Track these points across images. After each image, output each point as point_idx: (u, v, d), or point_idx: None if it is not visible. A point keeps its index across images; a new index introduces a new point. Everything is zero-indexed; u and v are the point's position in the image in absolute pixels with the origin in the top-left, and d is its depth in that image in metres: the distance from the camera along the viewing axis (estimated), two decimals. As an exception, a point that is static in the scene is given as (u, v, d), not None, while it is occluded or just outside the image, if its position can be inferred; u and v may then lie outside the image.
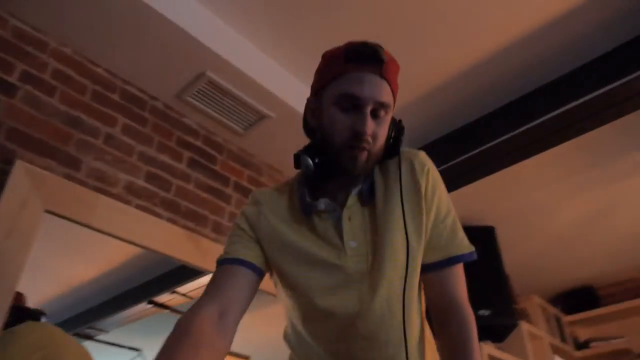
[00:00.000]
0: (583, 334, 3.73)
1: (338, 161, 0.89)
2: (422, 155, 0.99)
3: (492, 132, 2.32)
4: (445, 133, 2.49)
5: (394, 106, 0.92)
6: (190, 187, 1.99)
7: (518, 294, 3.40)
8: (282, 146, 2.28)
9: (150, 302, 2.82)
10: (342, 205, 0.93)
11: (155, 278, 2.66)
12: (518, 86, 2.23)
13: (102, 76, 1.87)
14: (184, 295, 2.74)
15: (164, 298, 2.80)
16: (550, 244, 3.33)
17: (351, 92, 0.86)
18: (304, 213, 0.94)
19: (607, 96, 1.99)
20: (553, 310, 3.60)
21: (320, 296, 0.91)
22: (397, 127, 0.94)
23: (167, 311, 2.90)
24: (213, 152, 2.15)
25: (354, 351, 0.91)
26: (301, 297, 0.94)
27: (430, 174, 0.97)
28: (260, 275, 0.95)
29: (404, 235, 0.89)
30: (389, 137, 0.92)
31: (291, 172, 2.46)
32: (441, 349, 0.92)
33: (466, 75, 2.16)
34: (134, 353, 3.47)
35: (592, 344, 3.55)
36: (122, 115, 1.88)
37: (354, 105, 0.87)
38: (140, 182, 1.83)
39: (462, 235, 0.98)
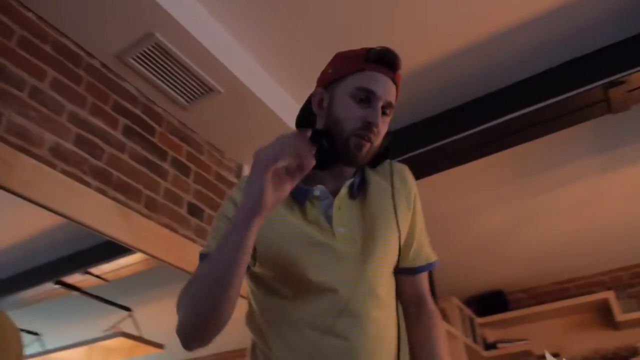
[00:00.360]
0: (491, 335, 3.94)
1: (342, 148, 0.96)
2: (408, 169, 1.12)
3: (433, 135, 2.37)
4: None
5: None
6: (125, 157, 1.82)
7: (438, 294, 3.52)
8: (227, 125, 2.16)
9: (58, 283, 2.58)
10: (333, 194, 1.00)
11: (67, 256, 2.43)
12: (460, 94, 2.28)
13: (33, 22, 1.66)
14: (97, 276, 2.54)
15: (75, 279, 2.57)
16: (471, 248, 3.49)
17: (369, 87, 0.96)
18: (297, 199, 0.98)
19: (537, 113, 2.09)
20: (467, 311, 3.77)
21: (312, 272, 0.93)
22: (388, 137, 1.02)
23: (76, 293, 2.67)
24: (152, 123, 1.99)
25: (336, 329, 0.92)
26: (289, 274, 0.94)
27: (415, 187, 1.09)
28: (248, 268, 0.95)
29: (396, 226, 0.99)
30: (381, 144, 1.01)
31: (232, 153, 2.36)
32: (414, 335, 1.03)
33: (408, 80, 2.17)
34: (32, 337, 3.17)
35: (499, 345, 3.77)
36: (52, 69, 1.67)
37: (367, 99, 0.96)
38: (68, 145, 1.64)
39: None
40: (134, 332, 2.96)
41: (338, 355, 0.90)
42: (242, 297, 1.09)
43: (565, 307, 3.69)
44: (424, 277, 1.10)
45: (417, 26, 1.93)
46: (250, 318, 1.02)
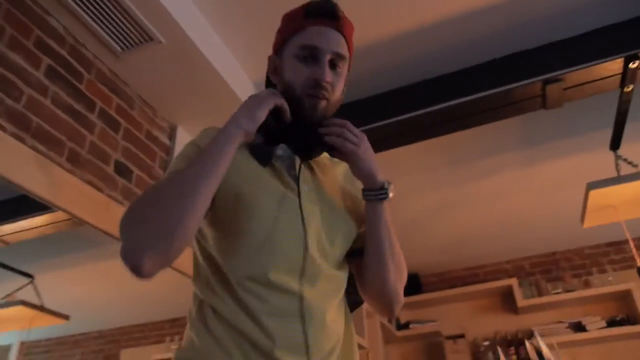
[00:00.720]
0: (404, 316, 4.10)
1: (299, 110, 0.94)
2: None
3: (372, 116, 2.36)
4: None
5: (349, 65, 1.02)
6: (47, 102, 1.61)
7: (359, 275, 3.58)
8: (164, 81, 1.99)
9: (-53, 244, 2.26)
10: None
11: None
12: (402, 77, 2.27)
13: None
14: (-5, 238, 2.26)
15: (-33, 240, 2.27)
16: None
17: (310, 43, 0.94)
18: (261, 159, 0.94)
19: (478, 102, 2.13)
20: (384, 292, 3.88)
21: (268, 222, 0.89)
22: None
23: (-32, 256, 2.37)
24: (80, 68, 1.77)
25: (289, 286, 0.88)
26: (246, 226, 0.89)
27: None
28: (205, 215, 0.88)
29: (354, 206, 1.02)
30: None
31: (164, 112, 2.19)
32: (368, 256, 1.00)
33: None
34: None
35: (411, 326, 3.94)
36: (-37, -11, 1.43)
37: (313, 56, 0.94)
38: (-20, 81, 1.42)
39: None
40: (35, 302, 2.70)
41: (290, 310, 0.87)
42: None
43: (473, 292, 3.93)
44: None
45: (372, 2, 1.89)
46: (198, 278, 0.94)
